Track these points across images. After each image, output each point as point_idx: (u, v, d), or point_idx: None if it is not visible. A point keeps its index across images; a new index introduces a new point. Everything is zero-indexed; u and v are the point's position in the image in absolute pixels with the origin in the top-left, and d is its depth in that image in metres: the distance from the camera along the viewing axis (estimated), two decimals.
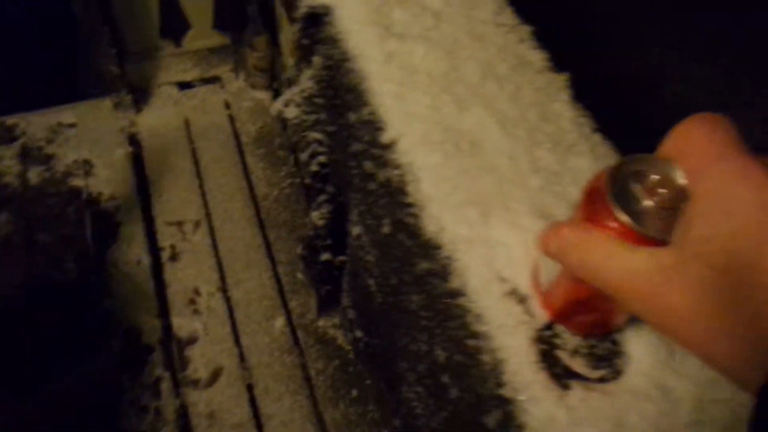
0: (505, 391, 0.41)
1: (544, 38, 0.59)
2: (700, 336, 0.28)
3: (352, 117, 0.60)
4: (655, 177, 0.34)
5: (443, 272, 0.47)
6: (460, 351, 0.47)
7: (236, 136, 1.67)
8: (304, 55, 0.68)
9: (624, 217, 0.34)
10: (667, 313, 0.28)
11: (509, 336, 0.42)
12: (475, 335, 0.44)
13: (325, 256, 0.97)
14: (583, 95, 0.55)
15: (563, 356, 0.42)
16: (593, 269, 0.32)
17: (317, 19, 0.64)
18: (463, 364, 0.47)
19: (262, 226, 1.54)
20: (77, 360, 1.27)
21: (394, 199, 0.54)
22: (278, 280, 1.47)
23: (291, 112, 0.75)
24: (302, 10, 0.63)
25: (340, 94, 0.64)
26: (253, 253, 1.50)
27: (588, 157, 0.51)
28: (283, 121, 1.46)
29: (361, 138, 0.60)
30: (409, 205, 0.50)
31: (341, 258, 0.92)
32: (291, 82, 0.74)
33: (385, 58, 0.56)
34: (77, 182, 1.57)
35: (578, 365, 0.42)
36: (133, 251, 1.47)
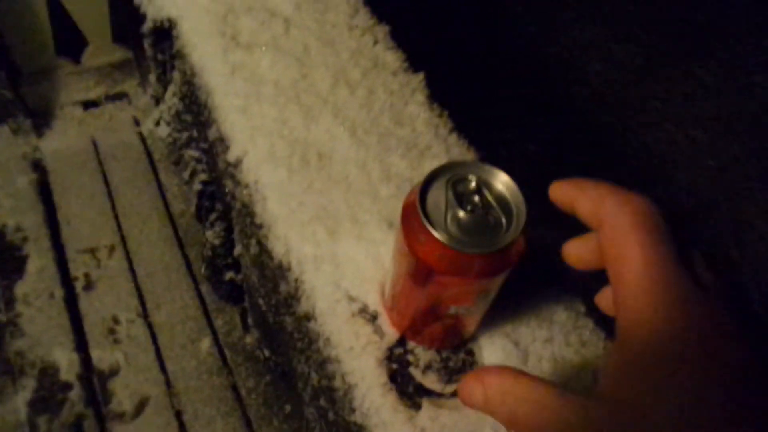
0: (357, 417, 0.39)
1: (402, 37, 0.57)
2: None
3: (211, 134, 0.57)
4: (471, 183, 0.33)
5: (296, 295, 0.44)
6: (324, 375, 0.45)
7: (148, 153, 1.61)
8: (163, 70, 0.64)
9: (436, 233, 0.32)
10: None
11: (358, 358, 0.40)
12: (329, 360, 0.42)
13: (229, 275, 0.94)
14: (440, 93, 0.53)
15: (415, 373, 0.40)
16: (524, 424, 0.29)
17: (166, 33, 0.60)
18: (329, 388, 0.45)
19: (180, 244, 1.49)
20: None
21: (252, 218, 0.51)
22: (202, 300, 1.42)
23: (163, 131, 0.71)
24: (148, 24, 0.59)
25: (200, 110, 0.60)
26: (173, 274, 1.45)
27: (443, 159, 0.49)
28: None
29: (219, 155, 0.56)
30: (260, 225, 0.48)
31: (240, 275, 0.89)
32: (158, 100, 0.70)
33: (230, 71, 0.52)
34: None
35: (430, 381, 0.40)
36: (44, 284, 1.40)
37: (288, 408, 1.35)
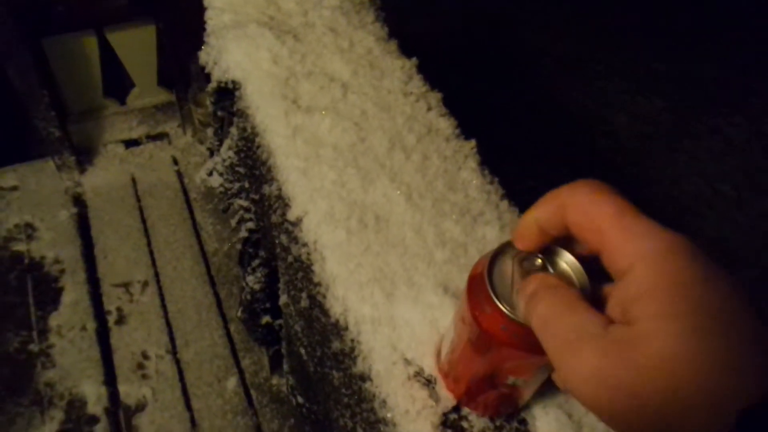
0: None
1: (453, 104, 0.60)
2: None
3: (267, 190, 0.59)
4: (537, 260, 0.34)
5: (351, 354, 0.46)
6: None
7: (185, 192, 1.65)
8: (221, 125, 0.67)
9: (503, 306, 0.33)
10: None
11: (413, 423, 0.41)
12: (383, 421, 0.43)
13: (266, 319, 0.95)
14: (491, 160, 0.55)
15: None
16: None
17: (228, 92, 0.63)
18: None
19: (212, 282, 1.51)
20: None
21: (307, 275, 0.53)
22: (230, 339, 1.43)
23: (215, 181, 0.74)
24: (212, 84, 0.63)
25: (257, 166, 0.63)
26: (203, 312, 1.47)
27: (495, 226, 0.51)
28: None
29: (276, 211, 0.59)
30: (317, 284, 0.49)
31: (280, 321, 0.90)
32: (212, 152, 0.73)
33: (291, 132, 0.55)
34: (19, 247, 1.53)
35: None
36: (77, 316, 1.42)
37: None
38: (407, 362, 0.43)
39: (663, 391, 0.25)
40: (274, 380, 1.39)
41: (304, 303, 0.56)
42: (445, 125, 0.58)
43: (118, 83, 1.63)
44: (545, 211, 0.32)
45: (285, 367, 0.89)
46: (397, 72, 0.62)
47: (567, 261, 0.35)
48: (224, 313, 1.47)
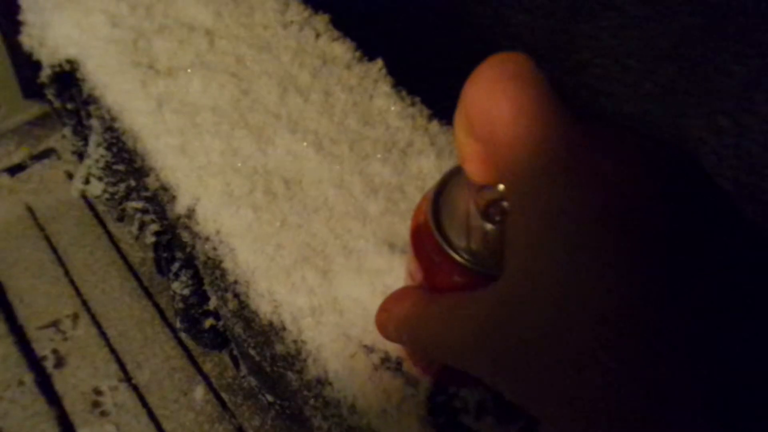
0: None
1: (344, 24, 0.49)
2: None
3: (149, 183, 0.48)
4: (487, 191, 0.25)
5: (298, 357, 0.36)
6: None
7: (90, 206, 1.50)
8: (78, 120, 0.54)
9: (456, 254, 0.24)
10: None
11: (397, 423, 0.32)
12: (360, 428, 0.34)
13: (209, 322, 0.85)
14: (406, 79, 0.45)
15: (468, 420, 0.33)
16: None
17: (69, 77, 0.50)
18: None
19: (148, 294, 1.39)
20: None
21: (221, 273, 0.42)
22: (184, 347, 1.33)
23: (95, 188, 0.62)
24: (46, 72, 0.50)
25: (132, 157, 0.51)
26: (147, 328, 1.35)
27: (430, 155, 0.41)
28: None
29: (166, 205, 0.47)
30: (234, 282, 0.39)
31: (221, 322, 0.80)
32: (81, 155, 0.60)
33: (155, 105, 0.44)
34: None
35: (489, 426, 0.32)
36: (9, 372, 1.28)
37: None
38: (368, 350, 0.34)
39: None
40: (242, 373, 1.30)
41: (233, 304, 0.46)
42: (342, 51, 0.48)
43: None
44: (460, 120, 0.22)
45: (243, 369, 0.80)
46: (269, 1, 0.50)
47: None
48: (170, 323, 1.35)
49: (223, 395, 1.27)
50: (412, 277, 0.28)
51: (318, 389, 0.37)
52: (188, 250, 0.54)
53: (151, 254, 1.44)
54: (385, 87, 0.45)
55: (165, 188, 0.43)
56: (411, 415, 0.32)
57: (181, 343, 1.32)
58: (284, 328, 0.36)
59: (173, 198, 0.42)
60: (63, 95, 0.52)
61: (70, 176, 1.52)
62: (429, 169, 0.40)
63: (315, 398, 0.41)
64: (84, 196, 0.61)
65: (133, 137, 0.44)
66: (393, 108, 0.44)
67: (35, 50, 0.52)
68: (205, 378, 1.29)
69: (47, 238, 1.45)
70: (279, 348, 0.40)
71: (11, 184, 1.51)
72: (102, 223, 1.47)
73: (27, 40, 0.52)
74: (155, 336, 1.33)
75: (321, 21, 0.50)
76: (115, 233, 1.45)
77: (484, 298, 0.21)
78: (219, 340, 0.91)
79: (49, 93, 0.52)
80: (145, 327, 1.34)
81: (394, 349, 0.34)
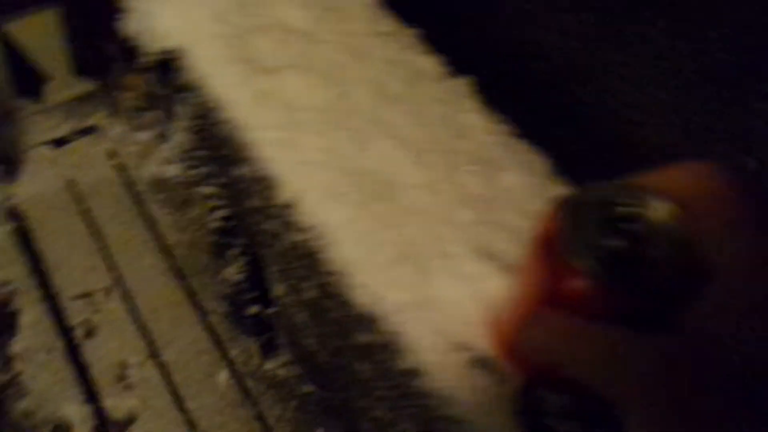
0: None
1: (433, 40, 0.52)
2: None
3: (238, 172, 0.51)
4: (622, 209, 0.28)
5: (390, 349, 0.39)
6: (434, 430, 0.40)
7: (129, 185, 1.53)
8: (164, 106, 0.57)
9: (589, 268, 0.27)
10: None
11: (488, 416, 0.35)
12: (448, 418, 0.37)
13: (253, 309, 0.88)
14: (495, 98, 0.48)
15: (554, 423, 0.35)
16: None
17: (171, 65, 0.53)
18: None
19: (181, 276, 1.42)
20: None
21: (313, 263, 0.45)
22: (212, 331, 1.36)
23: (171, 171, 0.65)
24: (148, 58, 0.53)
25: (221, 146, 0.54)
26: (178, 308, 1.38)
27: (518, 171, 0.44)
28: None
29: (255, 194, 0.50)
30: (329, 273, 0.42)
31: (272, 310, 0.83)
32: (161, 139, 0.63)
33: (256, 100, 0.46)
34: None
35: (571, 431, 0.35)
36: (41, 338, 1.32)
37: None
38: (462, 347, 0.37)
39: None
40: (268, 365, 1.33)
41: (311, 294, 0.49)
42: (430, 64, 0.50)
43: (30, 80, 1.47)
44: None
45: (286, 356, 0.83)
46: (359, 10, 0.53)
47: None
48: (201, 306, 1.38)
49: (247, 382, 1.30)
50: (526, 285, 0.30)
51: (402, 380, 0.39)
52: (261, 237, 0.57)
53: (187, 236, 1.48)
54: (473, 103, 0.48)
55: (262, 178, 0.46)
56: (501, 410, 0.35)
57: (209, 326, 1.35)
58: (379, 320, 0.39)
59: (271, 188, 0.45)
60: (162, 81, 0.55)
61: (112, 154, 1.56)
62: (516, 185, 0.43)
63: (390, 389, 0.44)
64: (153, 177, 0.63)
65: (234, 128, 0.47)
66: (481, 124, 0.47)
67: (138, 37, 0.55)
68: (230, 363, 1.32)
69: (85, 213, 1.49)
70: (361, 338, 0.43)
71: (54, 156, 1.54)
72: (140, 202, 1.50)
73: (133, 25, 0.55)
74: (185, 317, 1.36)
75: (409, 34, 0.53)
76: (152, 212, 1.48)
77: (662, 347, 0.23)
78: (259, 326, 0.93)
79: (148, 78, 0.55)
80: (176, 307, 1.37)
81: (485, 349, 0.37)
